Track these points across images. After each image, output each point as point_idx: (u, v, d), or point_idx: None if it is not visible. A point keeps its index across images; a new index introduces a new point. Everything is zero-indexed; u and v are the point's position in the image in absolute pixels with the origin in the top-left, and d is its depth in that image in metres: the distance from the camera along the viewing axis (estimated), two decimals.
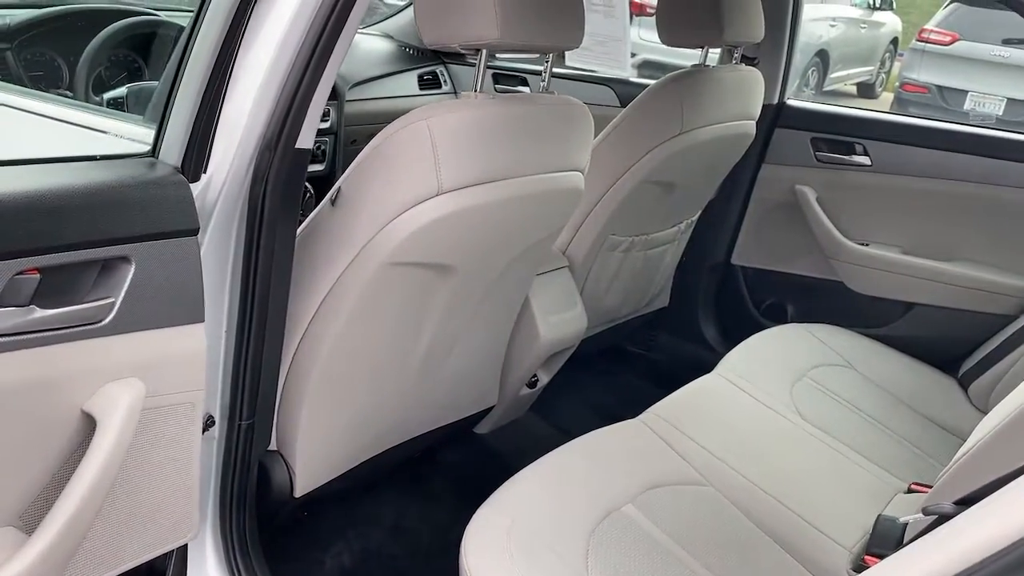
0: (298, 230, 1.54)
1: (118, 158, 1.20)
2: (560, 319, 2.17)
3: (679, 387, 1.94)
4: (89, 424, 1.13)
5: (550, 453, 1.61)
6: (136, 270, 1.14)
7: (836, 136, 2.59)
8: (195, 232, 1.20)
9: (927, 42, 8.69)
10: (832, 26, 9.28)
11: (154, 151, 1.23)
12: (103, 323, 1.12)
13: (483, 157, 1.47)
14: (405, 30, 3.33)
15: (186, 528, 1.37)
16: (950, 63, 8.52)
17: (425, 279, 1.59)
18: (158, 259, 1.15)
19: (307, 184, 1.90)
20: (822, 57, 9.14)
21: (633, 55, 3.16)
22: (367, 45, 3.24)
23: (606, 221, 2.24)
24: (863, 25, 10.09)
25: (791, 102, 2.68)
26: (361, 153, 1.46)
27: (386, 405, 1.79)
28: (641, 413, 1.82)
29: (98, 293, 1.13)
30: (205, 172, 1.25)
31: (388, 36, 3.37)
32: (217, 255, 1.33)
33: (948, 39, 8.56)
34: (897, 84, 9.24)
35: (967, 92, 8.43)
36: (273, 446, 1.67)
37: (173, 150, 1.21)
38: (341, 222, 1.49)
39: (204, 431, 1.41)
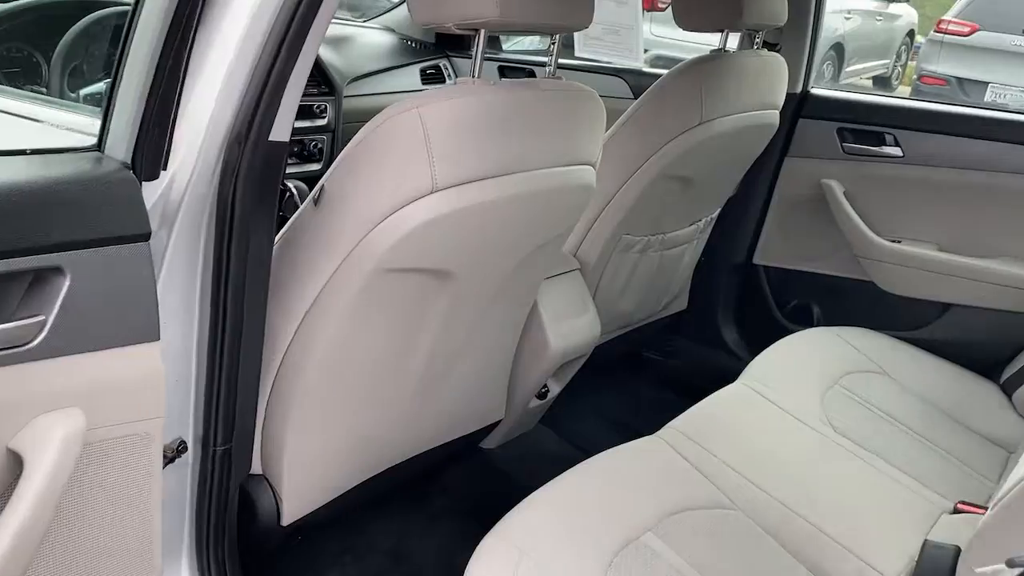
0: (279, 234, 1.41)
1: (54, 152, 1.05)
2: (571, 326, 2.04)
3: (699, 395, 1.84)
4: (17, 464, 0.99)
5: (561, 476, 1.48)
6: (72, 283, 0.98)
7: (865, 126, 2.46)
8: (145, 237, 1.04)
9: (945, 33, 8.57)
10: (847, 19, 9.18)
11: (99, 145, 1.08)
12: (32, 345, 0.97)
13: (482, 150, 1.33)
14: (407, 23, 3.24)
15: (145, 574, 1.22)
16: (970, 54, 8.41)
17: (421, 286, 1.44)
18: (100, 269, 0.99)
19: (288, 183, 1.76)
20: (837, 51, 9.03)
21: (645, 51, 3.07)
22: (367, 39, 3.15)
23: (620, 220, 2.11)
24: (879, 18, 10.01)
25: (815, 91, 2.56)
26: (347, 147, 1.31)
27: (382, 423, 1.65)
28: (660, 424, 1.71)
29: (26, 310, 0.98)
30: (165, 168, 1.10)
31: (389, 29, 3.29)
32: (184, 262, 1.18)
33: (967, 30, 8.44)
34: (915, 76, 9.14)
35: (987, 84, 8.29)
36: (258, 470, 1.53)
37: (120, 144, 1.05)
38: (325, 224, 1.34)
39: (175, 458, 1.27)
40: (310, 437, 1.52)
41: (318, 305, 1.37)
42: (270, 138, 1.15)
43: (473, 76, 1.35)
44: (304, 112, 2.61)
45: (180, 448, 1.29)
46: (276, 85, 1.12)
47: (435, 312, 1.53)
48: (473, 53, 1.35)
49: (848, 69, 9.40)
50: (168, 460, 1.26)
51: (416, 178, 1.26)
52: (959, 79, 8.49)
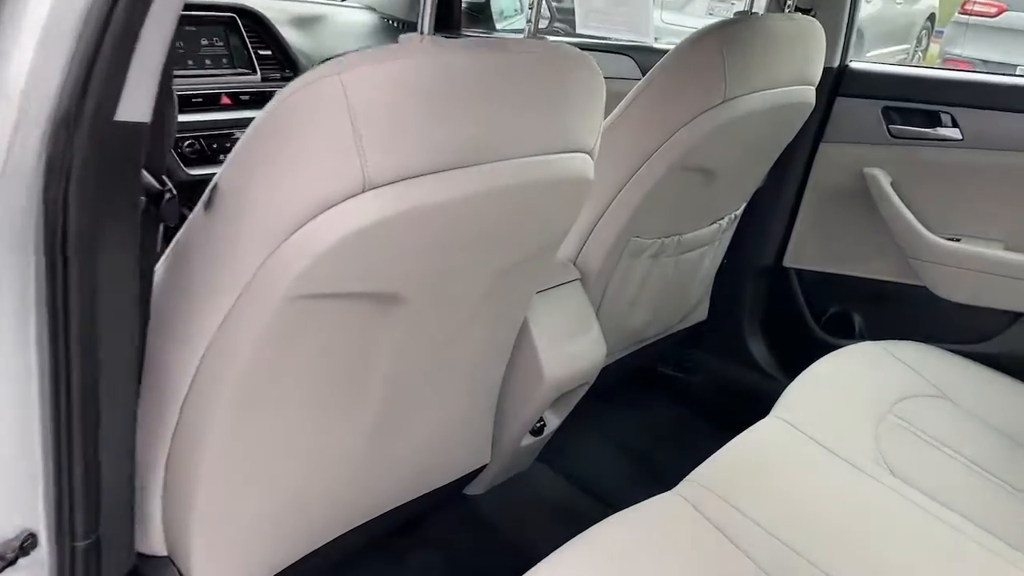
0: (167, 249, 1.07)
1: None
2: (570, 350, 1.72)
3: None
4: None
5: (559, 552, 1.19)
6: None
7: (915, 104, 2.18)
8: None
9: (971, 14, 8.42)
10: (867, 2, 8.97)
11: None
12: None
13: (434, 132, 0.99)
14: (390, 1, 2.97)
15: None
16: (997, 36, 8.37)
17: (359, 314, 1.10)
18: None
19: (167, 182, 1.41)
20: (857, 36, 8.79)
21: (655, 40, 2.89)
22: (342, 18, 2.88)
23: (628, 220, 1.80)
24: (899, 1, 9.85)
25: (856, 65, 2.29)
26: (247, 130, 0.97)
27: (329, 482, 1.31)
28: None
29: None
30: None
31: (370, 8, 3.03)
32: (9, 294, 0.84)
33: (994, 10, 8.35)
34: (938, 60, 8.94)
35: (1016, 66, 8.14)
36: (162, 551, 1.20)
37: None
38: (221, 236, 1.00)
39: (17, 559, 0.94)
40: (227, 507, 1.19)
41: (218, 344, 1.02)
42: (116, 118, 0.80)
43: (421, 33, 1.00)
44: (266, 100, 2.30)
45: (27, 544, 0.95)
46: (120, 38, 0.78)
47: (382, 345, 1.18)
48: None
49: (868, 55, 9.22)
50: (7, 563, 0.93)
51: (339, 171, 0.92)
52: (985, 62, 8.38)
